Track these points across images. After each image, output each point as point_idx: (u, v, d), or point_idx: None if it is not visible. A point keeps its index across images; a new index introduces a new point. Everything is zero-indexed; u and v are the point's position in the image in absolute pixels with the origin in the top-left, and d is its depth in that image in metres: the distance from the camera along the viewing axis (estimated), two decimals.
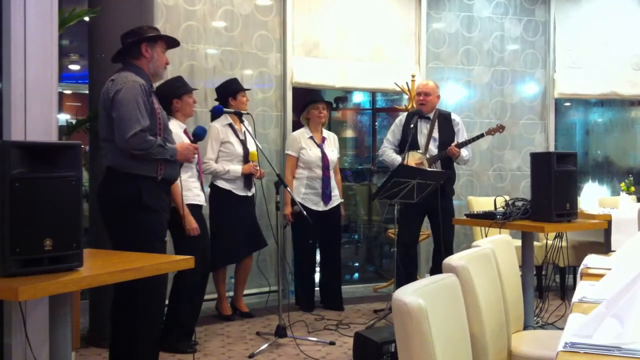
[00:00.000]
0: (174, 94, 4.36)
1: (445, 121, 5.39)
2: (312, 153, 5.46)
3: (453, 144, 5.21)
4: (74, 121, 4.74)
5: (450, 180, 5.37)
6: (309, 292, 5.60)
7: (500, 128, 5.34)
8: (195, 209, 4.38)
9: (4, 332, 2.91)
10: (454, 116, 5.48)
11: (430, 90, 5.37)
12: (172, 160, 3.44)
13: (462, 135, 5.38)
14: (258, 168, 4.98)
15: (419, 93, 5.42)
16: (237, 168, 4.99)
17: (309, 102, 5.58)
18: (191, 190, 4.37)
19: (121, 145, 3.28)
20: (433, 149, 5.29)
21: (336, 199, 5.57)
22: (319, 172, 5.45)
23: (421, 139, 5.32)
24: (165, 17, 5.45)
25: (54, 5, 3.12)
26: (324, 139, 5.55)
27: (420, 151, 5.27)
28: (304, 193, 5.43)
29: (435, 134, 5.32)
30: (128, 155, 3.31)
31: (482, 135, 5.31)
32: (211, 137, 4.95)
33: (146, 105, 3.32)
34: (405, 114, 5.56)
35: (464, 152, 5.27)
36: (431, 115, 5.36)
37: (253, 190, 5.14)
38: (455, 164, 5.41)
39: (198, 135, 3.86)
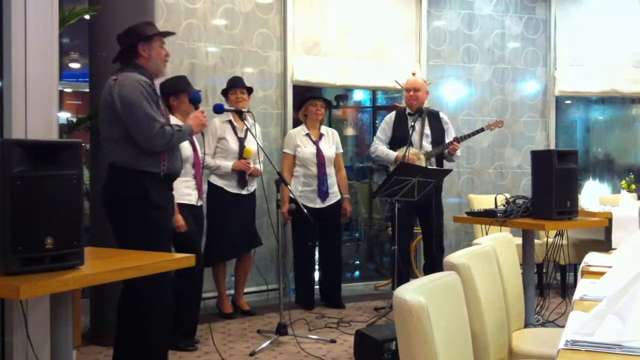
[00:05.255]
0: (172, 91, 4.36)
1: (434, 119, 5.49)
2: (306, 150, 5.44)
3: (452, 139, 5.29)
4: (74, 119, 4.73)
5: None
6: (308, 290, 5.60)
7: (499, 123, 5.49)
8: (181, 208, 4.32)
9: (5, 331, 2.91)
10: (442, 115, 5.59)
11: (419, 85, 5.48)
12: (189, 137, 3.57)
13: (452, 134, 5.49)
14: (251, 165, 4.97)
15: (408, 89, 5.52)
16: (227, 164, 4.99)
17: (307, 99, 5.58)
18: (179, 189, 4.28)
19: (146, 146, 3.30)
20: (426, 144, 5.36)
21: (334, 195, 5.55)
22: (314, 169, 5.44)
23: (414, 136, 5.37)
24: (165, 15, 5.45)
25: (54, 3, 3.12)
26: (321, 136, 5.53)
27: (415, 147, 5.32)
28: (300, 191, 5.40)
29: (427, 130, 5.40)
30: (131, 151, 3.30)
31: (481, 130, 5.40)
32: (209, 132, 4.97)
33: (154, 102, 3.35)
34: (394, 112, 5.62)
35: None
36: (422, 114, 5.41)
37: (251, 188, 5.13)
38: (444, 161, 5.48)
39: (196, 99, 3.86)
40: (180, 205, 4.32)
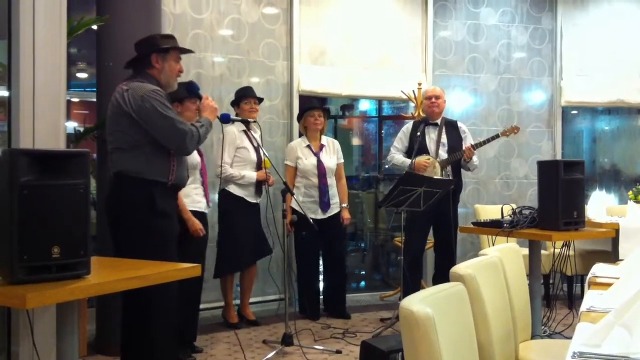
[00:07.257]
0: (176, 97, 4.34)
1: (452, 128, 5.49)
2: (307, 162, 5.44)
3: (469, 145, 5.29)
4: (82, 129, 4.75)
5: (460, 188, 5.45)
6: (313, 300, 5.59)
7: (515, 129, 5.45)
8: (194, 215, 4.34)
9: (12, 340, 2.91)
10: (460, 124, 5.58)
11: (440, 94, 5.50)
12: (211, 129, 3.56)
13: (469, 142, 5.42)
14: (270, 176, 5.01)
15: (429, 97, 5.50)
16: (252, 174, 5.02)
17: (305, 110, 5.59)
18: (191, 196, 4.35)
19: (180, 151, 3.38)
20: (443, 154, 5.36)
21: (336, 206, 5.53)
22: (316, 180, 5.43)
23: (431, 145, 5.39)
24: (173, 26, 5.48)
25: (62, 13, 3.14)
26: (322, 147, 5.53)
27: (432, 156, 5.32)
28: (302, 202, 5.37)
29: (444, 139, 5.39)
30: (141, 160, 3.28)
31: (497, 137, 5.40)
32: (227, 141, 4.95)
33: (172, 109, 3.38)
34: (412, 122, 5.63)
35: (474, 157, 5.31)
36: (439, 122, 5.43)
37: (261, 197, 5.16)
38: (462, 170, 5.46)
39: (194, 89, 3.85)
40: (194, 212, 4.34)
